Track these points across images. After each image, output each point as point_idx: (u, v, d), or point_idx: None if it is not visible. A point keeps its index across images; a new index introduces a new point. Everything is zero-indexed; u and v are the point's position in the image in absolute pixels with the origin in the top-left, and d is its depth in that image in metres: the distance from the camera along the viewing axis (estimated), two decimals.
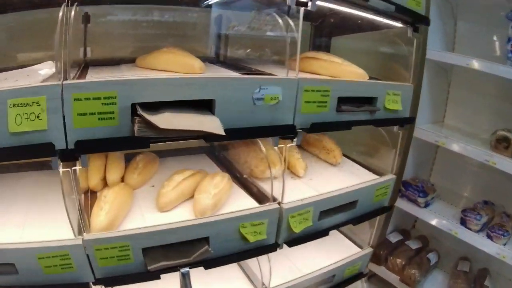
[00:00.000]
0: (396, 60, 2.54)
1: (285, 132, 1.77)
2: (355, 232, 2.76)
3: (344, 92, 1.93)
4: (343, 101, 1.94)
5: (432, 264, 3.19)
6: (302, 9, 1.65)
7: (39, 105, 1.23)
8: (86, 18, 1.95)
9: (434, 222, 3.06)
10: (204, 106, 1.52)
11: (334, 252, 2.54)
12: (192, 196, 1.82)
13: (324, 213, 2.02)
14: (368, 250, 2.61)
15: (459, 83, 3.40)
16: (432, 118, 3.37)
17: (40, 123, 1.24)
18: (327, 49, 2.86)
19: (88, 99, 1.28)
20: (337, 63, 2.04)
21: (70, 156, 1.33)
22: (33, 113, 1.23)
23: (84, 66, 1.78)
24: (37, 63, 1.70)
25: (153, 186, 1.99)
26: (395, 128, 2.37)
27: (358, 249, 2.63)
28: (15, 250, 1.37)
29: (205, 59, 1.99)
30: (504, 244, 2.77)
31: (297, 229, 1.87)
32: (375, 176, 2.38)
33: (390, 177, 2.36)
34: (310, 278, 2.22)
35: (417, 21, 2.27)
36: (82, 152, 1.34)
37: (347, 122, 1.99)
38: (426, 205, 3.16)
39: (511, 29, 2.60)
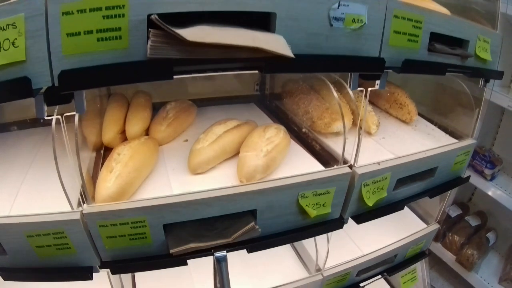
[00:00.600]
0: (478, 6, 1.96)
1: (371, 67, 1.26)
2: (419, 204, 2.33)
3: (438, 27, 1.41)
4: (435, 39, 1.44)
5: (491, 244, 2.84)
6: None
7: (15, 28, 0.81)
8: None
9: (500, 198, 2.64)
10: (260, 25, 1.04)
11: (397, 227, 2.09)
12: (236, 154, 1.35)
13: (401, 182, 1.55)
14: (435, 226, 2.16)
15: None
16: (498, 80, 2.93)
17: (16, 52, 0.81)
18: None
19: (82, 11, 0.80)
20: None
21: (57, 96, 0.87)
22: (7, 39, 0.81)
23: None
24: None
25: (186, 140, 1.51)
26: (481, 83, 1.88)
27: (424, 225, 2.20)
28: None
29: None
30: None
31: (371, 201, 1.40)
32: (454, 140, 1.91)
33: (470, 141, 1.89)
34: (369, 260, 1.79)
35: None
36: (70, 87, 0.86)
37: (441, 64, 1.48)
38: (492, 178, 2.74)
39: None
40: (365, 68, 1.24)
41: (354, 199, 1.38)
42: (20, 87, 0.82)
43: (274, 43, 0.96)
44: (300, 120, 1.74)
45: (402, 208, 1.61)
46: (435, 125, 2.06)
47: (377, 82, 1.28)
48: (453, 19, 1.49)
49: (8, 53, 0.81)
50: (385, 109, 2.08)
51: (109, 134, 1.35)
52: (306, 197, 1.22)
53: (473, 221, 2.89)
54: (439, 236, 2.86)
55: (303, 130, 1.70)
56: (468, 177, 1.97)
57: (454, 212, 2.98)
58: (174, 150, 1.43)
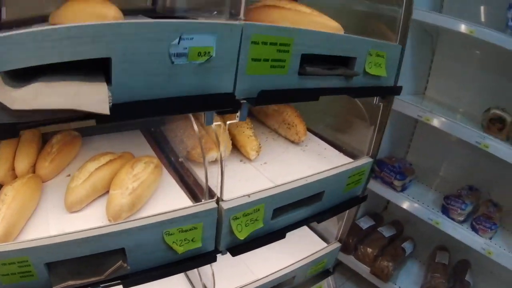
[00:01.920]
0: (380, 15, 2.12)
1: (219, 105, 1.28)
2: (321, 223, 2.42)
3: (312, 47, 1.42)
4: (309, 61, 1.44)
5: (408, 254, 3.04)
6: None
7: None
8: None
9: (412, 209, 2.84)
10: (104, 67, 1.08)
11: (296, 248, 2.20)
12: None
13: (280, 210, 1.63)
14: (336, 245, 2.31)
15: (444, 51, 3.19)
16: (412, 89, 3.18)
17: None
18: None
19: None
20: (304, 13, 1.57)
21: None
22: None
23: None
24: None
25: (68, 175, 1.58)
26: (376, 100, 1.99)
27: (324, 244, 2.33)
28: None
29: (140, 11, 1.66)
30: (491, 238, 2.61)
31: (242, 234, 1.49)
32: (347, 159, 2.04)
33: (366, 160, 2.01)
34: (263, 284, 1.91)
35: None
36: None
37: (313, 90, 1.52)
38: (403, 188, 2.94)
39: None
40: (211, 107, 1.27)
41: (226, 232, 1.46)
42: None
43: (92, 98, 0.99)
44: (178, 148, 1.81)
45: (283, 237, 1.68)
46: (329, 143, 2.17)
47: (237, 114, 1.34)
48: (333, 36, 1.49)
49: None
50: (275, 129, 2.18)
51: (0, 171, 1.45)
52: (171, 234, 1.31)
53: (387, 232, 3.08)
54: (350, 249, 2.99)
55: (180, 159, 1.76)
56: (365, 196, 2.11)
57: (366, 223, 3.15)
58: (56, 186, 1.51)
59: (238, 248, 1.54)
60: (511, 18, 2.38)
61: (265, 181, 1.69)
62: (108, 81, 1.02)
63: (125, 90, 1.05)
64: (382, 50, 1.71)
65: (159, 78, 1.10)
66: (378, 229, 3.14)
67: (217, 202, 1.40)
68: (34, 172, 1.52)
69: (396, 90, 1.94)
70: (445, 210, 2.73)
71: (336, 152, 2.10)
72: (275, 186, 1.58)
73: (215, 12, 1.31)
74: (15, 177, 1.47)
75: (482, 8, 2.76)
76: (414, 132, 3.45)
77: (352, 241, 2.98)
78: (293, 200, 1.66)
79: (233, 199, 1.44)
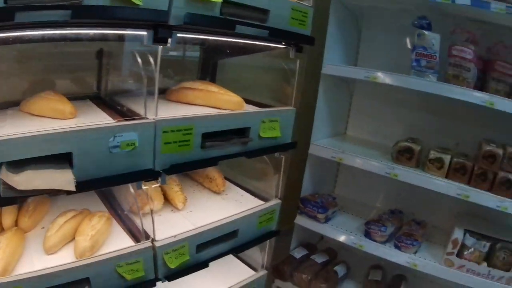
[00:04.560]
0: (281, 82, 2.91)
1: (144, 177, 2.08)
2: (247, 254, 3.17)
3: (210, 127, 2.25)
4: (212, 136, 2.26)
5: (341, 276, 3.61)
6: (160, 47, 1.98)
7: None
8: None
9: (336, 237, 3.50)
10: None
11: (229, 277, 2.92)
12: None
13: (202, 246, 2.38)
14: (263, 272, 3.06)
15: (361, 93, 4.06)
16: (333, 131, 3.96)
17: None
18: (214, 72, 3.28)
19: None
20: (212, 92, 2.42)
21: None
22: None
23: None
24: None
25: (43, 228, 2.28)
26: (277, 154, 2.75)
27: (253, 272, 3.08)
28: None
29: (88, 96, 2.49)
30: (415, 253, 3.26)
31: (173, 264, 2.22)
32: (260, 203, 2.79)
33: (274, 202, 2.78)
34: None
35: (300, 41, 2.63)
36: None
37: (213, 158, 2.33)
38: (327, 220, 3.61)
39: (417, 38, 3.04)
40: (138, 178, 2.07)
41: (161, 264, 2.19)
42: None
43: (63, 179, 1.76)
44: (123, 204, 2.54)
45: (207, 266, 2.44)
46: (247, 191, 2.97)
47: (159, 180, 2.15)
48: (227, 116, 2.36)
49: None
50: (200, 183, 2.98)
51: None
52: (121, 266, 2.03)
53: (320, 258, 3.72)
54: (286, 277, 3.57)
55: (125, 212, 2.47)
56: (278, 231, 2.88)
57: (300, 253, 3.77)
58: (35, 236, 2.20)
59: (172, 276, 2.29)
60: (415, 59, 3.04)
61: (189, 225, 2.43)
62: (71, 166, 1.80)
63: (82, 172, 1.81)
64: (275, 116, 2.56)
65: (103, 163, 1.89)
66: (311, 257, 3.75)
67: (152, 242, 2.15)
68: (16, 225, 2.19)
69: (290, 145, 2.78)
70: (367, 234, 3.39)
71: (252, 197, 2.89)
72: (195, 228, 2.36)
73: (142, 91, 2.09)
74: (1, 230, 2.13)
75: (396, 51, 3.54)
76: (339, 169, 4.23)
77: (287, 269, 3.58)
78: (212, 238, 2.44)
79: (163, 239, 2.20)
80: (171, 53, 2.97)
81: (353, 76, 3.34)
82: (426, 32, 3.04)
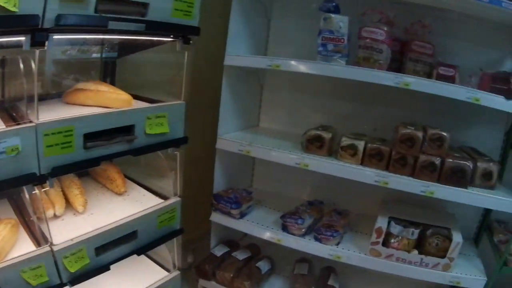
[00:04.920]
0: (172, 76, 3.02)
1: (28, 181, 2.16)
2: (160, 255, 3.29)
3: (91, 127, 2.35)
4: (95, 136, 2.36)
5: (265, 272, 3.73)
6: (37, 51, 2.05)
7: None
8: None
9: (253, 232, 3.59)
10: None
11: (142, 279, 3.04)
12: None
13: (101, 248, 2.48)
14: (175, 273, 3.18)
15: (273, 84, 4.20)
16: (244, 124, 4.04)
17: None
18: (113, 71, 3.38)
19: None
20: (101, 91, 2.55)
21: None
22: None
23: None
24: None
25: None
26: (170, 150, 2.91)
27: (165, 273, 3.19)
28: None
29: None
30: (338, 244, 3.33)
31: (73, 268, 2.32)
32: (161, 201, 2.96)
33: (173, 200, 2.92)
34: None
35: (185, 32, 2.73)
36: None
37: (97, 158, 2.42)
38: (243, 215, 3.67)
39: (323, 21, 3.05)
40: (23, 183, 2.17)
41: (63, 268, 2.29)
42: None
43: None
44: (28, 211, 2.56)
45: (108, 269, 2.54)
46: (149, 190, 3.12)
47: (47, 183, 2.26)
48: (109, 114, 2.45)
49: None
50: (104, 184, 3.10)
51: None
52: (25, 271, 2.12)
53: (242, 255, 3.83)
54: (209, 276, 3.65)
55: (31, 218, 2.47)
56: (182, 229, 3.02)
57: (221, 251, 3.87)
58: None
59: (76, 280, 2.40)
60: (321, 44, 3.08)
61: (89, 228, 2.52)
62: None
63: None
64: (162, 112, 2.67)
65: None
66: (232, 254, 3.84)
67: (50, 246, 2.24)
68: None
69: (181, 141, 2.90)
70: (284, 228, 3.42)
71: (153, 197, 3.03)
72: (92, 231, 2.46)
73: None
74: None
75: (305, 38, 3.55)
76: (255, 162, 4.36)
77: (209, 268, 3.66)
78: (110, 240, 2.55)
79: (61, 243, 2.29)
80: (76, 54, 3.06)
81: (255, 65, 3.43)
82: (332, 15, 3.05)
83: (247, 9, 3.57)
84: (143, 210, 2.76)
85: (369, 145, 3.19)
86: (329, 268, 3.83)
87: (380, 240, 3.18)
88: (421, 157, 3.03)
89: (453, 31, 3.42)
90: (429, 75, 3.14)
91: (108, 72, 3.32)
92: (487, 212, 3.61)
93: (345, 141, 3.23)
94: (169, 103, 2.78)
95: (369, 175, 3.11)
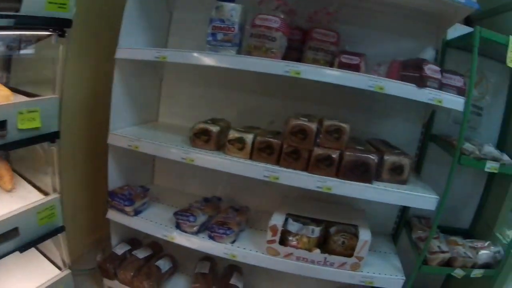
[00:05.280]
0: (49, 70, 2.98)
1: None
2: (53, 252, 3.30)
3: None
4: None
5: (165, 271, 3.83)
6: None
7: None
8: None
9: (146, 230, 3.66)
10: None
11: (35, 278, 3.09)
12: None
13: None
14: (66, 272, 3.23)
15: (172, 78, 4.30)
16: (141, 119, 4.13)
17: None
18: (9, 68, 3.32)
19: None
20: None
21: None
22: None
23: None
24: None
25: None
26: (45, 145, 2.89)
27: (57, 272, 3.22)
28: None
29: None
30: (233, 242, 3.40)
31: None
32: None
33: (51, 197, 2.95)
34: None
35: (60, 26, 2.72)
36: None
37: None
38: (137, 212, 3.73)
39: (215, 10, 3.12)
40: None
41: None
42: None
43: None
44: None
45: None
46: (36, 187, 3.11)
47: None
48: None
49: None
50: None
51: None
52: None
53: (142, 254, 3.91)
54: (111, 275, 3.73)
55: None
56: (63, 227, 3.04)
57: (122, 249, 3.93)
58: None
59: None
60: (211, 33, 3.13)
61: None
62: None
63: None
64: (34, 107, 2.67)
65: None
66: (133, 252, 3.90)
67: None
68: None
69: (52, 136, 2.92)
70: (178, 225, 3.49)
71: (38, 194, 3.05)
72: None
73: None
74: None
75: (205, 32, 3.33)
76: (155, 158, 4.42)
77: (110, 266, 3.71)
78: None
79: None
80: None
81: (143, 57, 3.42)
82: (224, 4, 3.11)
83: (146, 0, 3.62)
84: (22, 207, 2.77)
85: (258, 138, 3.21)
86: (233, 267, 3.92)
87: (276, 238, 3.22)
88: (315, 150, 3.06)
89: (365, 20, 3.57)
90: (331, 64, 3.16)
91: (4, 69, 3.32)
92: (405, 207, 3.73)
93: (233, 135, 3.26)
94: (41, 98, 2.79)
95: (258, 170, 3.13)
